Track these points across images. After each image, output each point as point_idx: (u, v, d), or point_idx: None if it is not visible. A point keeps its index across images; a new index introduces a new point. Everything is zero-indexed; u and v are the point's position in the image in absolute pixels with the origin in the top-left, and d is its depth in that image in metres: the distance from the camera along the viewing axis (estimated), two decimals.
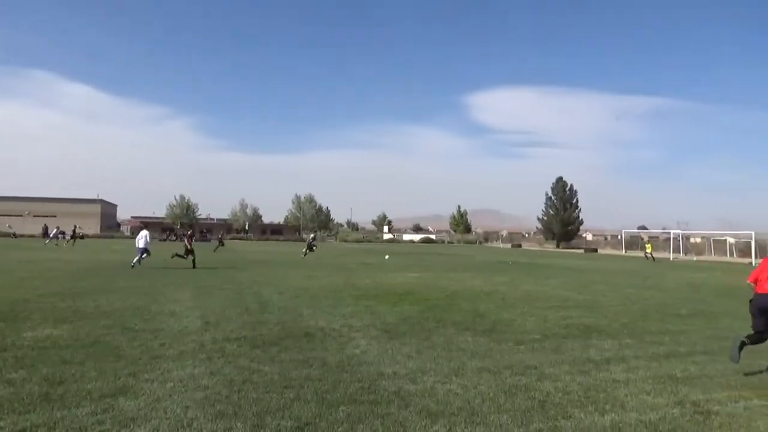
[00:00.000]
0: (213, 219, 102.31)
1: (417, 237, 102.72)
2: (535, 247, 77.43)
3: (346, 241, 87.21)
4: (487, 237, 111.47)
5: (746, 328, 9.78)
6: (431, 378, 6.09)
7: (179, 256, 22.02)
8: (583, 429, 4.76)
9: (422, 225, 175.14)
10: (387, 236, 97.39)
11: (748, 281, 6.92)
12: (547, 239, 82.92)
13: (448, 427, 4.74)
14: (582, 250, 64.82)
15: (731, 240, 55.12)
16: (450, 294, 13.97)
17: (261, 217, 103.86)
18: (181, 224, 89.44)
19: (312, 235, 37.65)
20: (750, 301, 6.73)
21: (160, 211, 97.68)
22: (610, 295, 14.73)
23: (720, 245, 56.22)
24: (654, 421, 4.97)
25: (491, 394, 5.57)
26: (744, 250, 50.04)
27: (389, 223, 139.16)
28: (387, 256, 29.21)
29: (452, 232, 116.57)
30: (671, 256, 48.99)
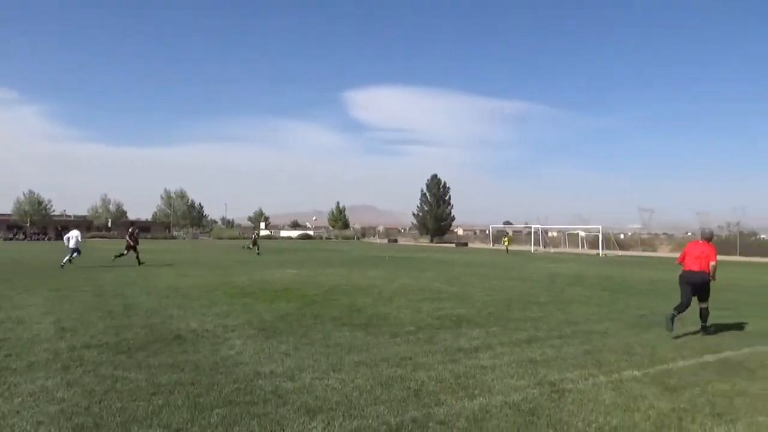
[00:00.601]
0: (70, 216, 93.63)
1: (295, 233, 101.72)
2: (411, 242, 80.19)
3: (220, 238, 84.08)
4: (365, 233, 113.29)
5: (595, 313, 10.89)
6: (309, 374, 6.07)
7: (120, 255, 22.98)
8: (454, 414, 5.01)
9: (300, 221, 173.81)
10: (264, 233, 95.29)
11: (677, 261, 9.22)
12: (421, 234, 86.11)
13: (326, 422, 4.75)
14: (454, 245, 68.13)
15: (582, 233, 61.04)
16: (328, 289, 14.04)
17: (126, 213, 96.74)
18: (32, 222, 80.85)
19: (256, 232, 39.34)
20: (679, 276, 8.82)
21: (5, 207, 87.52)
22: (479, 287, 15.65)
23: (573, 238, 62.05)
24: (517, 401, 5.36)
25: (368, 387, 5.68)
26: (593, 242, 55.60)
27: (266, 219, 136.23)
28: (246, 246, 28.67)
29: (330, 228, 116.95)
30: (532, 248, 53.15)
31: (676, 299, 9.41)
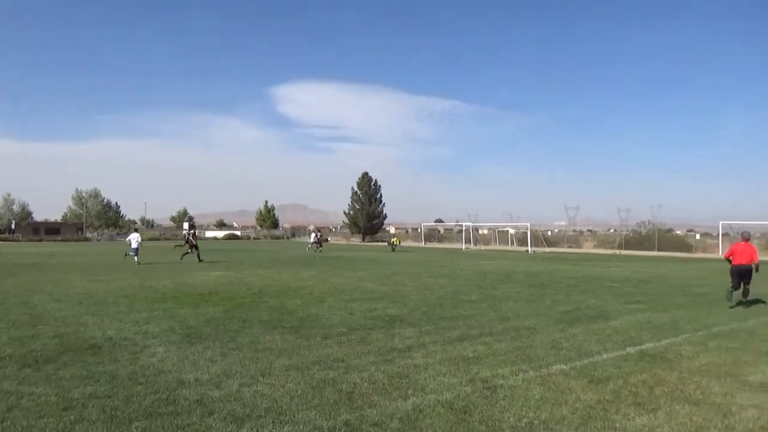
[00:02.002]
0: None
1: (221, 233, 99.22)
2: (342, 241, 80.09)
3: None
4: (295, 232, 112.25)
5: (524, 310, 11.24)
6: (237, 381, 5.92)
7: (187, 253, 26.78)
8: (388, 415, 5.02)
9: (227, 221, 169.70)
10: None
11: (725, 256, 12.27)
12: (353, 233, 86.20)
13: (255, 430, 4.64)
14: (386, 243, 68.68)
15: (512, 231, 63.18)
16: (257, 292, 13.81)
17: (31, 214, 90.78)
18: None
19: (318, 233, 42.39)
20: (730, 268, 12.04)
21: None
22: (411, 285, 15.84)
23: (503, 236, 64.06)
24: (450, 399, 5.45)
25: (299, 391, 5.60)
26: (522, 239, 57.61)
27: (190, 219, 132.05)
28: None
29: (258, 227, 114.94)
30: (463, 246, 54.40)
31: (601, 293, 9.86)
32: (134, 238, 25.13)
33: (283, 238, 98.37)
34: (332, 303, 11.81)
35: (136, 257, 24.68)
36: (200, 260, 26.22)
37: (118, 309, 10.72)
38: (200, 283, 16.15)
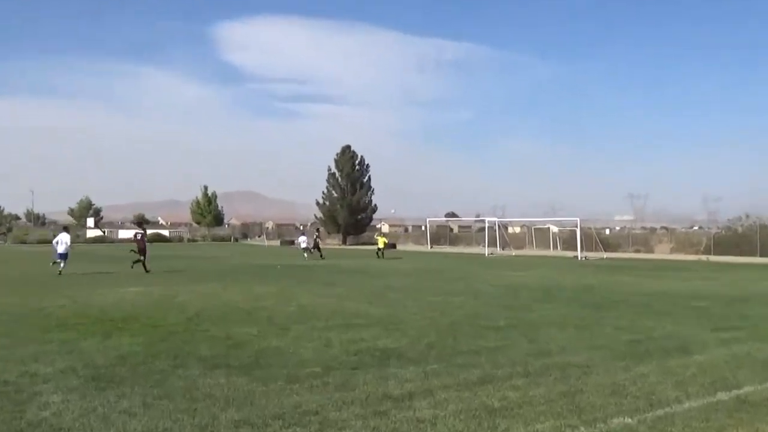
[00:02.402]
0: None
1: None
2: None
3: (24, 242, 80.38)
4: (247, 232, 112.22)
5: (573, 340, 11.33)
6: None
7: (138, 261, 28.90)
8: None
9: (150, 215, 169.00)
10: (94, 233, 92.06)
11: None
12: (330, 233, 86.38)
13: None
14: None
15: (554, 229, 63.52)
16: (193, 316, 13.87)
17: None
18: None
19: (315, 232, 48.67)
20: None
21: None
22: (412, 306, 15.94)
23: (542, 235, 64.46)
24: None
25: None
26: (569, 240, 58.00)
27: (97, 213, 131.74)
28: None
29: (195, 225, 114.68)
30: (486, 251, 54.73)
31: (681, 317, 9.95)
32: (62, 240, 27.10)
33: (231, 240, 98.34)
34: (301, 331, 11.86)
35: (61, 265, 26.65)
36: (147, 270, 28.18)
37: None
38: (112, 303, 16.13)
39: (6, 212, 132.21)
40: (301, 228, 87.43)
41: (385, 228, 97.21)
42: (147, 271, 27.74)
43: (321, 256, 43.73)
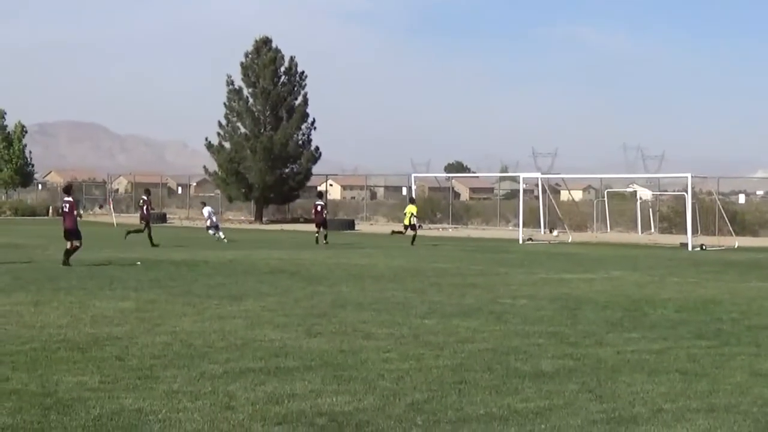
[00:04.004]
0: None
1: None
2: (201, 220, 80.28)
3: None
4: (78, 196, 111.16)
5: (680, 395, 11.45)
6: None
7: (136, 231, 44.13)
8: None
9: None
10: None
11: None
12: (231, 199, 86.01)
13: None
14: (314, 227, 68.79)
15: (645, 194, 63.82)
16: None
17: None
18: None
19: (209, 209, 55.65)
20: None
21: None
22: (383, 335, 16.12)
23: (623, 205, 64.67)
24: None
25: None
26: (672, 216, 58.34)
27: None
28: None
29: None
30: (521, 234, 54.81)
31: None
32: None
33: (48, 212, 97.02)
34: (179, 381, 11.91)
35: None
36: (153, 244, 39.81)
37: None
38: None
39: None
40: (201, 197, 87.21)
41: (335, 191, 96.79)
42: (153, 245, 37.22)
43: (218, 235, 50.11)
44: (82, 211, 35.59)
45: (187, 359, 13.54)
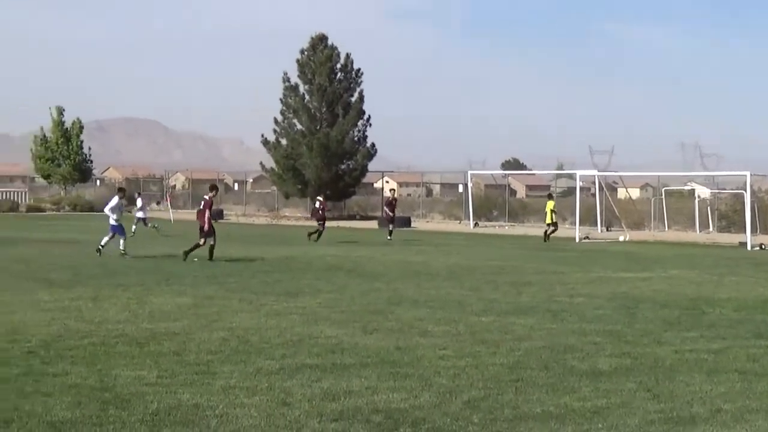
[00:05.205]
0: None
1: None
2: (259, 218, 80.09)
3: None
4: (136, 193, 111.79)
5: (739, 395, 11.37)
6: None
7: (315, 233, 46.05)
8: None
9: None
10: None
11: None
12: (288, 196, 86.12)
13: None
14: (387, 220, 68.46)
15: (703, 192, 63.34)
16: (38, 347, 13.97)
17: None
18: None
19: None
20: None
21: None
22: (439, 333, 16.05)
23: (681, 204, 64.20)
24: None
25: None
26: (731, 215, 57.80)
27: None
28: None
29: (39, 179, 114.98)
30: (578, 232, 54.50)
31: None
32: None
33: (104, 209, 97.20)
34: (235, 377, 11.98)
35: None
36: (211, 258, 33.34)
37: None
38: None
39: None
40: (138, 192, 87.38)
41: (392, 186, 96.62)
42: (211, 259, 32.94)
43: (318, 235, 47.66)
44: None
45: (244, 355, 13.65)
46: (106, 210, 36.64)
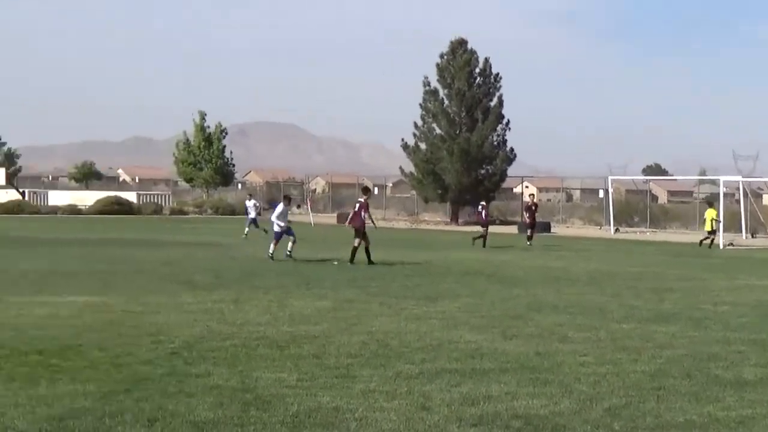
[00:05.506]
0: None
1: (90, 196, 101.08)
2: (399, 221, 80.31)
3: None
4: (276, 197, 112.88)
5: None
6: None
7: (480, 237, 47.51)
8: None
9: (102, 165, 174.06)
10: (5, 194, 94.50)
11: None
12: (427, 200, 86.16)
13: None
14: (526, 227, 68.25)
15: None
16: (181, 348, 14.19)
17: None
18: None
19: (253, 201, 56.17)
20: None
21: None
22: (579, 339, 15.93)
23: None
24: None
25: None
26: None
27: (10, 160, 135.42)
28: None
29: (182, 182, 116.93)
30: (722, 239, 53.59)
31: None
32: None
33: (246, 212, 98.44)
34: (374, 381, 12.01)
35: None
36: (370, 262, 34.23)
37: None
38: (37, 323, 16.60)
39: None
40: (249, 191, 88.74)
41: (532, 191, 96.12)
42: (370, 263, 33.59)
43: (483, 240, 48.24)
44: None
45: (384, 359, 13.70)
46: (273, 218, 37.25)
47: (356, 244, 33.97)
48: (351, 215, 35.20)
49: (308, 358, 13.66)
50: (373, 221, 35.98)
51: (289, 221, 35.86)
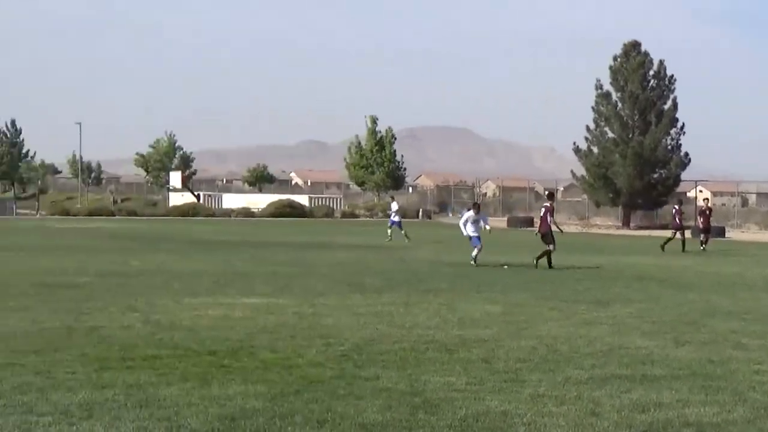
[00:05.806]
0: None
1: (263, 199, 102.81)
2: (572, 225, 79.81)
3: (69, 213, 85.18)
4: (447, 201, 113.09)
5: None
6: None
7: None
8: None
9: (274, 168, 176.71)
10: (181, 197, 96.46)
11: None
12: (599, 204, 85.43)
13: None
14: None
15: None
16: (350, 350, 14.29)
17: None
18: None
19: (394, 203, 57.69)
20: None
21: None
22: (753, 347, 15.59)
23: None
24: None
25: None
26: None
27: (185, 163, 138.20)
28: None
29: (353, 186, 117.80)
30: None
31: None
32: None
33: (418, 215, 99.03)
34: (543, 386, 11.90)
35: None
36: (550, 265, 34.05)
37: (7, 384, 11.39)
38: (211, 324, 16.96)
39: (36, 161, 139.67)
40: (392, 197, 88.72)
41: (705, 195, 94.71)
42: (548, 265, 33.75)
43: (682, 244, 48.87)
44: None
45: (553, 363, 13.60)
46: (460, 224, 37.44)
47: (551, 249, 34.05)
48: (540, 222, 35.60)
49: (477, 362, 13.61)
50: (558, 226, 35.53)
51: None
